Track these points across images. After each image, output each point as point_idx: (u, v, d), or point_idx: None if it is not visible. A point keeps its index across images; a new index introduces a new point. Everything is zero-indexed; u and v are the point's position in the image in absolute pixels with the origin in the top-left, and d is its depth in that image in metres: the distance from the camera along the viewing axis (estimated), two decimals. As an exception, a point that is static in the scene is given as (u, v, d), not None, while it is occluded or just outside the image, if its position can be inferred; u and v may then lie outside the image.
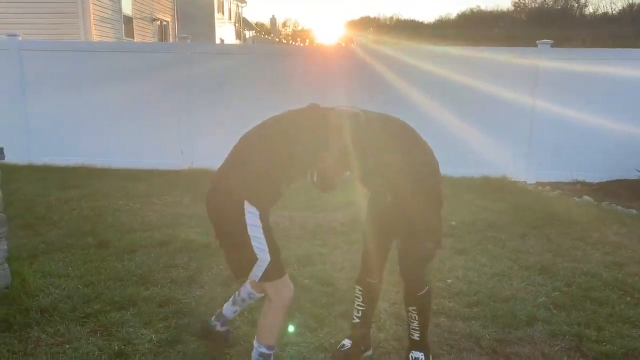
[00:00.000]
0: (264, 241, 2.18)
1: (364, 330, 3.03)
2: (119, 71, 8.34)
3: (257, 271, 2.18)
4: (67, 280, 3.82)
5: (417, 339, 2.88)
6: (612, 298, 3.79)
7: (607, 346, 3.11)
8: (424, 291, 2.80)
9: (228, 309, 3.08)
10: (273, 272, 2.18)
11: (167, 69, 8.33)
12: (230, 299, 3.08)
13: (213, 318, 3.10)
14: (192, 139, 8.46)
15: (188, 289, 3.79)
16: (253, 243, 2.15)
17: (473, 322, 3.43)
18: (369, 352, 3.06)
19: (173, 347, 2.97)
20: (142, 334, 3.11)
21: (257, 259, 2.16)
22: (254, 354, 2.46)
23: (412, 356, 2.89)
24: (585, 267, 4.41)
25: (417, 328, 2.86)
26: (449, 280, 4.13)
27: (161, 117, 8.40)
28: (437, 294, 3.85)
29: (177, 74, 8.35)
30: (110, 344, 2.97)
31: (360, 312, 3.00)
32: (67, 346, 2.95)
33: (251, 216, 2.14)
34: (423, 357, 2.87)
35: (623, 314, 3.54)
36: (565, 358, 3.01)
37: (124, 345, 2.96)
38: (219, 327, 3.05)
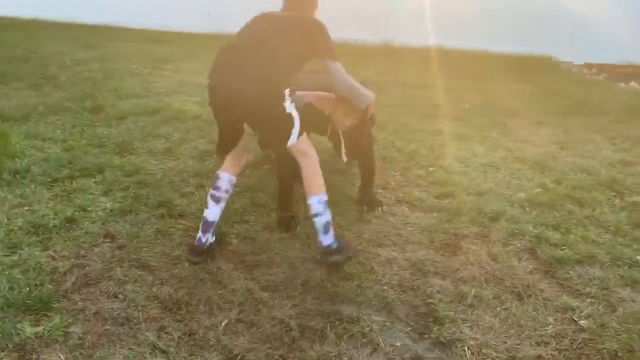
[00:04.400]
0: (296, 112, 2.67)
1: None
2: None
3: (294, 135, 2.65)
4: (49, 144, 3.95)
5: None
6: (598, 199, 3.51)
7: (565, 250, 2.92)
8: None
9: (212, 211, 2.76)
10: (301, 131, 2.69)
11: None
12: (211, 201, 2.75)
13: (199, 235, 2.74)
14: None
15: (162, 160, 3.84)
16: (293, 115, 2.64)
17: (435, 214, 3.29)
18: None
19: (122, 217, 3.06)
20: (100, 202, 3.21)
21: (294, 125, 2.64)
22: (313, 209, 2.67)
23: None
24: (587, 164, 4.09)
25: None
26: (430, 169, 3.95)
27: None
28: (412, 182, 3.73)
29: None
30: (66, 209, 3.09)
31: None
32: (26, 208, 3.10)
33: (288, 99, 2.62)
34: None
35: (601, 218, 3.27)
36: (514, 259, 2.86)
37: (78, 212, 3.08)
38: (210, 239, 2.75)
